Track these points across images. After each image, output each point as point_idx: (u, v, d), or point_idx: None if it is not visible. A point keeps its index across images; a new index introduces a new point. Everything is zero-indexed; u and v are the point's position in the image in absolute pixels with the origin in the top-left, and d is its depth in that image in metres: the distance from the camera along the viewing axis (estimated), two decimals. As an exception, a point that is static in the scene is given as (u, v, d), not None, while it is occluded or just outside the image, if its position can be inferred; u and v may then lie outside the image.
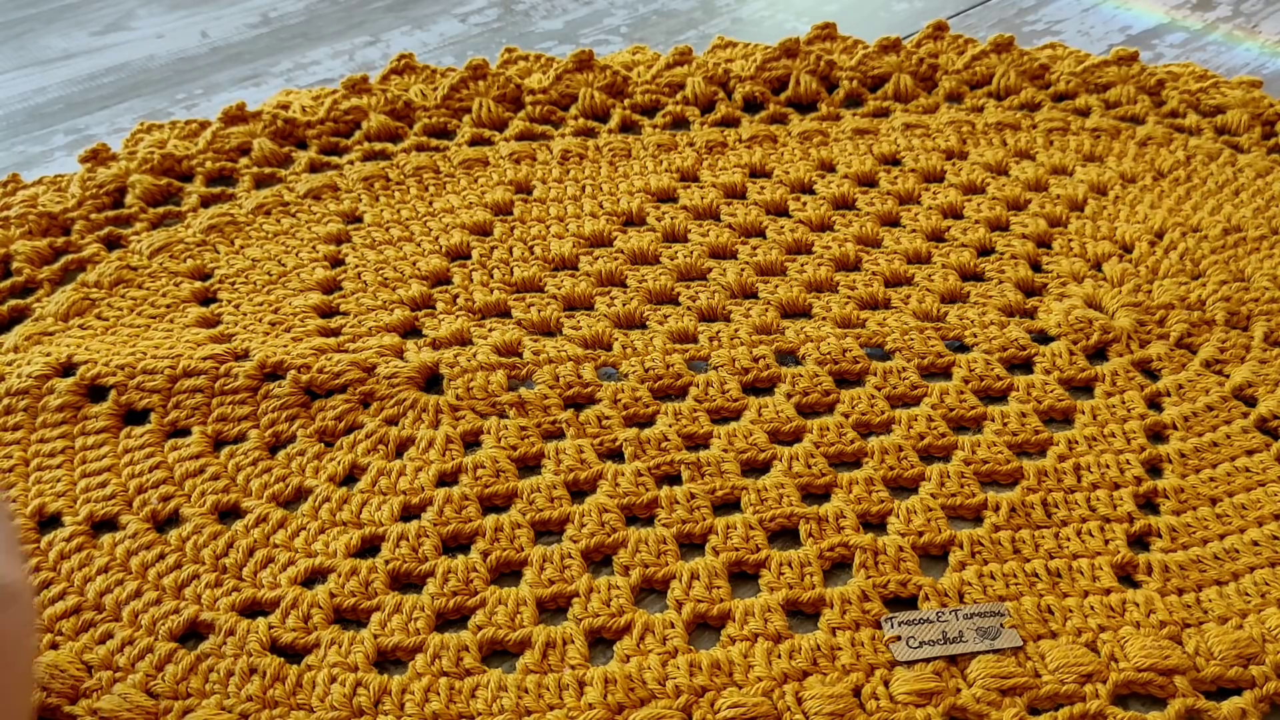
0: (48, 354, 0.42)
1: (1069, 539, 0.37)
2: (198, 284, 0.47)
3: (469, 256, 0.49)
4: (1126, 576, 0.36)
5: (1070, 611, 0.35)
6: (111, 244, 0.49)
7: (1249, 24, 0.73)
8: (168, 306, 0.45)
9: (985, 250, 0.50)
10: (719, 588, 0.35)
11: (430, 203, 0.52)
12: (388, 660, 0.33)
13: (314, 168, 0.54)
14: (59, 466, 0.38)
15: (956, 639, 0.33)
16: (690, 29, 0.73)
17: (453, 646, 0.33)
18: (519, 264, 0.48)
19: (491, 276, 0.47)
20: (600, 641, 0.34)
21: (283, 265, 0.48)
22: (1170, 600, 0.35)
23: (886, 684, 0.32)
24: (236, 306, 0.45)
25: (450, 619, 0.34)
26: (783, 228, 0.50)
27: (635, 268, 0.48)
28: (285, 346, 0.43)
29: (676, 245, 0.49)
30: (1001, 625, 0.34)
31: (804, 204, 0.52)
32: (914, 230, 0.50)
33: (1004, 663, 0.33)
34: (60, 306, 0.45)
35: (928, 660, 0.33)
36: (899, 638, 0.34)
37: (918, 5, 0.76)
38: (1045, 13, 0.74)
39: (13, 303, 0.45)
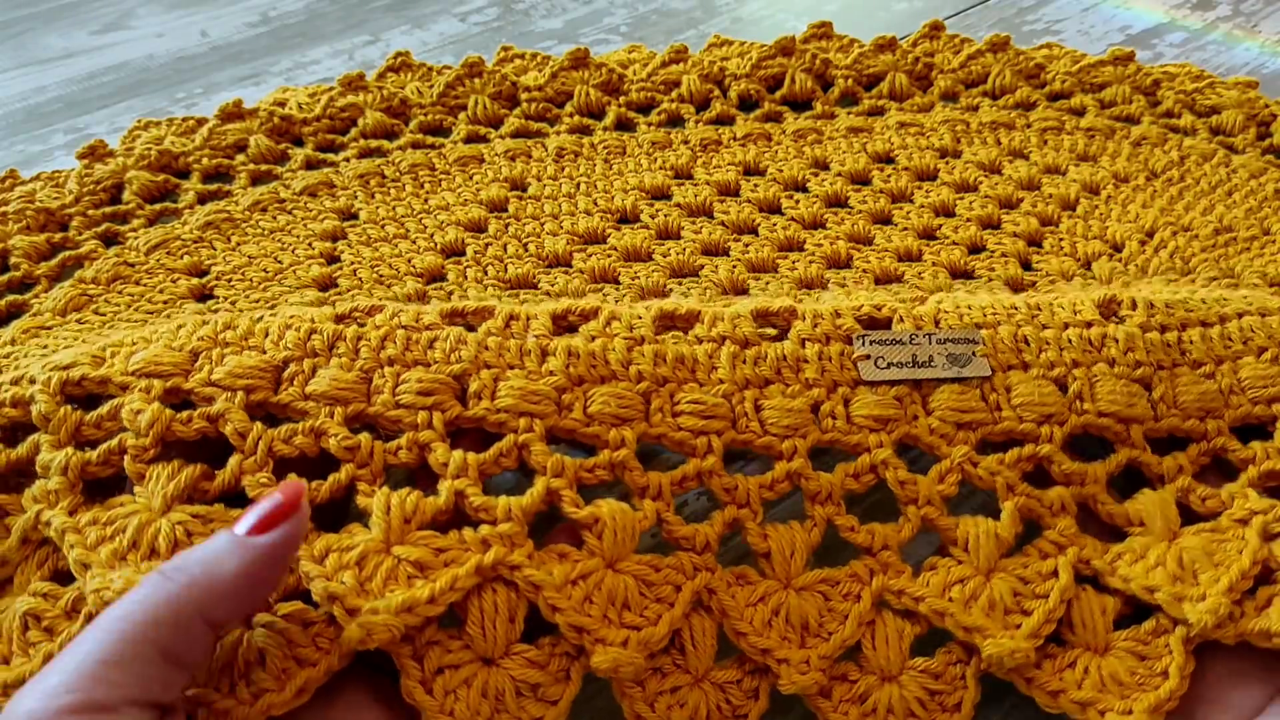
0: (45, 346, 0.42)
1: (1048, 291, 0.37)
2: (195, 280, 0.47)
3: (464, 253, 0.49)
4: (1113, 314, 0.36)
5: (1047, 344, 0.34)
6: (109, 240, 0.49)
7: (1249, 24, 0.73)
8: (165, 303, 0.46)
9: (976, 248, 0.50)
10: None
11: (426, 200, 0.52)
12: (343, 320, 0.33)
13: (310, 165, 0.54)
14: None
15: (926, 363, 0.33)
16: (690, 28, 0.74)
17: (411, 310, 0.33)
18: (513, 261, 0.48)
19: (486, 273, 0.48)
20: (568, 330, 0.34)
21: (279, 262, 0.48)
22: (1151, 337, 0.35)
23: (846, 403, 0.33)
24: (233, 303, 0.46)
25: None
26: (775, 225, 0.51)
27: (628, 265, 0.48)
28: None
29: (670, 242, 0.50)
30: (974, 354, 0.34)
31: (797, 202, 0.52)
32: (905, 228, 0.51)
33: (967, 395, 0.33)
34: (58, 302, 0.45)
35: (892, 383, 0.33)
36: (868, 356, 0.33)
37: (917, 5, 0.76)
38: (1045, 12, 0.74)
39: (10, 298, 0.46)
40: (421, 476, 0.31)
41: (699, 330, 0.33)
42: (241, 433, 0.29)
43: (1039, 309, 0.35)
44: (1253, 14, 0.74)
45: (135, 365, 0.31)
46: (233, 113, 0.56)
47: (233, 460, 0.29)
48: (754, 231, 0.51)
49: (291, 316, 0.32)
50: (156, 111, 0.64)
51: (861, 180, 0.54)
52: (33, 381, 0.31)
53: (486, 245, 0.49)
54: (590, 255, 0.49)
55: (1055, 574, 0.31)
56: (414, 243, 0.49)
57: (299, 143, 0.56)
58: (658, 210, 0.51)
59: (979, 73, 0.61)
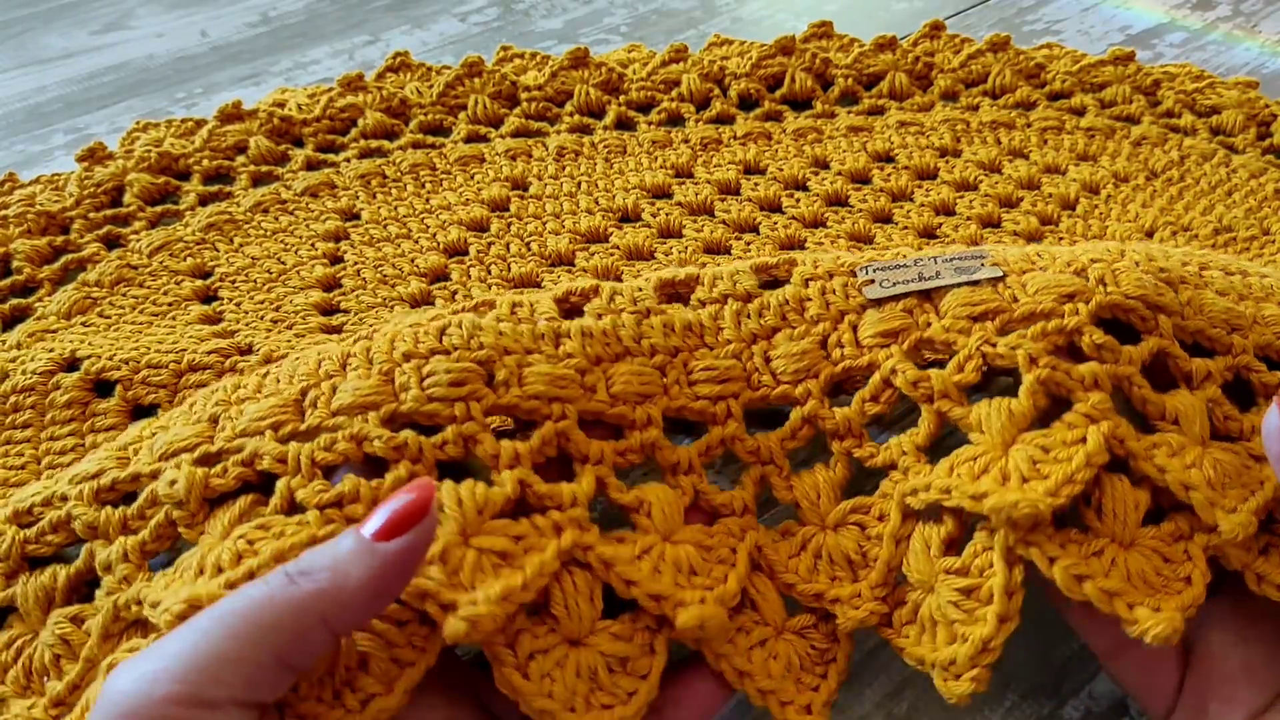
0: (51, 349, 0.42)
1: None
2: (198, 282, 0.47)
3: (467, 253, 0.49)
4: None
5: (1058, 256, 0.32)
6: (111, 243, 0.49)
7: (1249, 24, 0.73)
8: (169, 304, 0.46)
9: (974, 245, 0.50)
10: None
11: (427, 200, 0.52)
12: None
13: (311, 165, 0.54)
14: (70, 465, 0.38)
15: (933, 278, 0.32)
16: (690, 28, 0.74)
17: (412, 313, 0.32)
18: (516, 260, 0.48)
19: (489, 273, 0.48)
20: (572, 313, 0.33)
21: (282, 263, 0.48)
22: (1172, 263, 0.33)
23: (855, 329, 0.32)
24: (237, 304, 0.46)
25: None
26: (776, 224, 0.51)
27: (630, 263, 0.48)
28: (289, 342, 0.43)
29: (671, 241, 0.50)
30: (982, 264, 0.32)
31: (797, 200, 0.52)
32: (906, 227, 0.51)
33: (980, 290, 0.31)
34: (62, 305, 0.45)
35: (899, 298, 0.32)
36: (872, 280, 0.32)
37: (917, 5, 0.76)
38: (1045, 12, 0.74)
39: (14, 302, 0.46)
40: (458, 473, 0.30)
41: (700, 293, 0.33)
42: (279, 458, 0.28)
43: (1053, 224, 0.34)
44: (1253, 14, 0.74)
45: (160, 450, 0.30)
46: (232, 114, 0.56)
47: (280, 482, 0.28)
48: (755, 230, 0.51)
49: (297, 357, 0.32)
50: (156, 111, 0.64)
51: (862, 179, 0.54)
52: (65, 499, 0.30)
53: (489, 244, 0.49)
54: (593, 254, 0.49)
55: (1083, 440, 0.28)
56: (416, 242, 0.49)
57: (299, 144, 0.56)
58: (659, 209, 0.52)
59: (979, 72, 0.61)
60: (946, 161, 0.55)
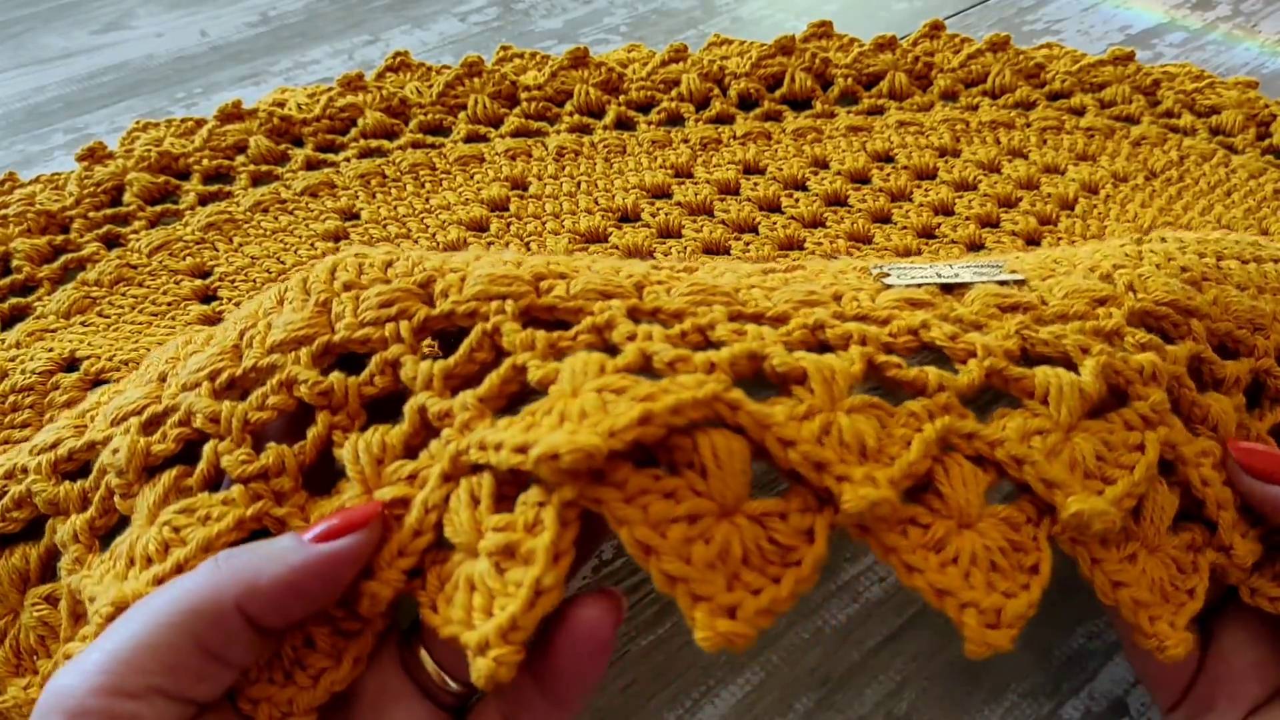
0: (50, 349, 0.42)
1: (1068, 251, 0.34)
2: (198, 282, 0.47)
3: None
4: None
5: (1079, 263, 0.31)
6: (110, 242, 0.49)
7: (1249, 23, 0.73)
8: (169, 304, 0.46)
9: (975, 246, 0.50)
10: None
11: (427, 199, 0.52)
12: None
13: (310, 165, 0.54)
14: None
15: (952, 277, 0.30)
16: (690, 28, 0.74)
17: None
18: (514, 261, 0.48)
19: (486, 273, 0.48)
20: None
21: (282, 263, 0.48)
22: (1190, 258, 0.31)
23: (872, 298, 0.28)
24: (237, 304, 0.46)
25: None
26: (775, 224, 0.51)
27: (629, 265, 0.49)
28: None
29: (670, 241, 0.50)
30: (1000, 269, 0.31)
31: (797, 200, 0.52)
32: (905, 227, 0.51)
33: (1006, 289, 0.29)
34: (62, 305, 0.45)
35: (920, 284, 0.29)
36: (888, 275, 0.30)
37: (917, 5, 0.76)
38: (1045, 12, 0.74)
39: (13, 301, 0.46)
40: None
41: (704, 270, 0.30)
42: (212, 417, 0.27)
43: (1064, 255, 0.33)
44: (1253, 14, 0.74)
45: (111, 415, 0.29)
46: (232, 113, 0.56)
47: (207, 447, 0.26)
48: (754, 230, 0.51)
49: (243, 308, 0.30)
50: (156, 111, 0.64)
51: (861, 179, 0.54)
52: (25, 471, 0.29)
53: (488, 244, 0.49)
54: (592, 254, 0.49)
55: (1142, 448, 0.26)
56: (416, 242, 0.49)
57: (299, 143, 0.56)
58: (658, 209, 0.52)
59: (979, 72, 0.61)
60: (946, 161, 0.55)
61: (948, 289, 0.30)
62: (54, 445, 0.30)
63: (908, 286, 0.29)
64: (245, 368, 0.27)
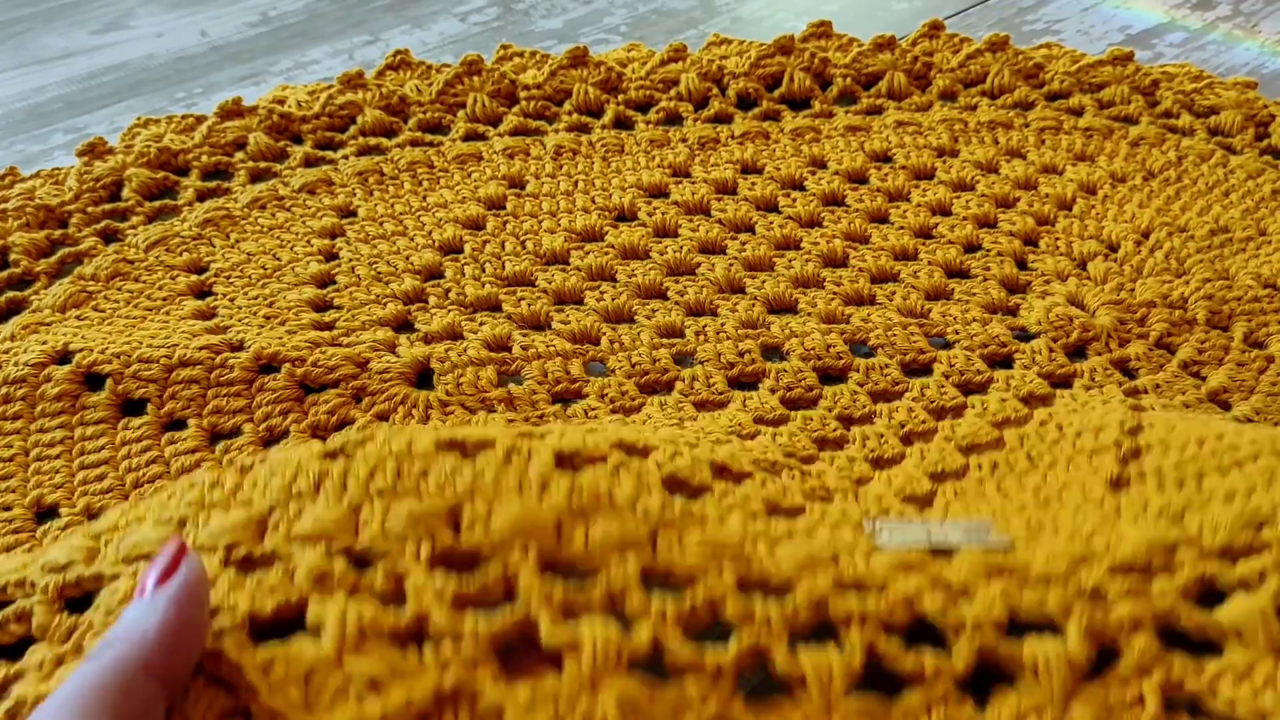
0: (44, 342, 0.42)
1: (1056, 474, 0.35)
2: (194, 277, 0.47)
3: (462, 250, 0.49)
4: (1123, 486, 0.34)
5: (1061, 524, 0.32)
6: (108, 237, 0.50)
7: (1249, 23, 0.73)
8: (164, 299, 0.46)
9: (972, 247, 0.50)
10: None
11: (424, 197, 0.52)
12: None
13: (309, 162, 0.55)
14: (58, 457, 0.39)
15: (942, 540, 0.31)
16: (690, 28, 0.74)
17: (404, 435, 0.31)
18: (510, 258, 0.48)
19: (484, 270, 0.48)
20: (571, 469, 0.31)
21: (278, 259, 0.48)
22: (1169, 494, 0.32)
23: (866, 558, 0.30)
24: (232, 300, 0.46)
25: None
26: (772, 223, 0.51)
27: (625, 262, 0.48)
28: (280, 339, 0.43)
29: (667, 240, 0.50)
30: (989, 530, 0.32)
31: (794, 200, 0.52)
32: (902, 227, 0.51)
33: (993, 554, 0.30)
34: (58, 298, 0.45)
35: (910, 547, 0.31)
36: (879, 530, 0.31)
37: (917, 5, 0.76)
38: (1045, 12, 0.74)
39: (10, 294, 0.46)
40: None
41: (711, 500, 0.31)
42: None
43: (1047, 502, 0.34)
44: (1253, 14, 0.74)
45: (125, 552, 0.29)
46: (232, 110, 0.56)
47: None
48: (751, 230, 0.51)
49: (278, 462, 0.31)
50: (156, 111, 0.64)
51: (859, 179, 0.54)
52: (33, 587, 0.29)
53: (484, 243, 0.49)
54: (588, 253, 0.49)
55: (1141, 701, 0.26)
56: (412, 240, 0.50)
57: (298, 140, 0.56)
58: (655, 208, 0.52)
59: (978, 72, 0.61)
60: (944, 161, 0.55)
61: (937, 553, 0.31)
62: (64, 567, 0.30)
63: (899, 547, 0.31)
64: (265, 550, 0.28)
